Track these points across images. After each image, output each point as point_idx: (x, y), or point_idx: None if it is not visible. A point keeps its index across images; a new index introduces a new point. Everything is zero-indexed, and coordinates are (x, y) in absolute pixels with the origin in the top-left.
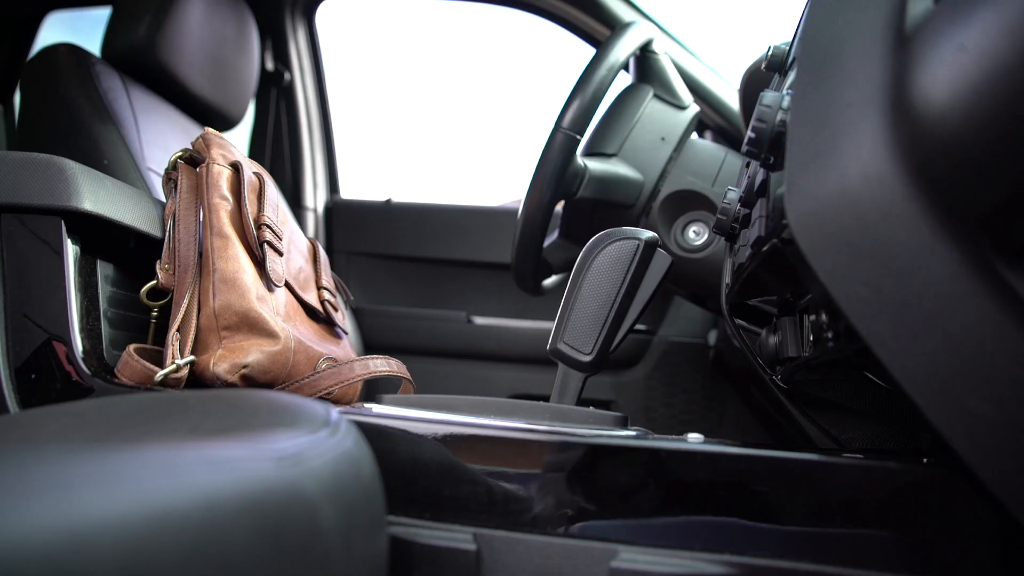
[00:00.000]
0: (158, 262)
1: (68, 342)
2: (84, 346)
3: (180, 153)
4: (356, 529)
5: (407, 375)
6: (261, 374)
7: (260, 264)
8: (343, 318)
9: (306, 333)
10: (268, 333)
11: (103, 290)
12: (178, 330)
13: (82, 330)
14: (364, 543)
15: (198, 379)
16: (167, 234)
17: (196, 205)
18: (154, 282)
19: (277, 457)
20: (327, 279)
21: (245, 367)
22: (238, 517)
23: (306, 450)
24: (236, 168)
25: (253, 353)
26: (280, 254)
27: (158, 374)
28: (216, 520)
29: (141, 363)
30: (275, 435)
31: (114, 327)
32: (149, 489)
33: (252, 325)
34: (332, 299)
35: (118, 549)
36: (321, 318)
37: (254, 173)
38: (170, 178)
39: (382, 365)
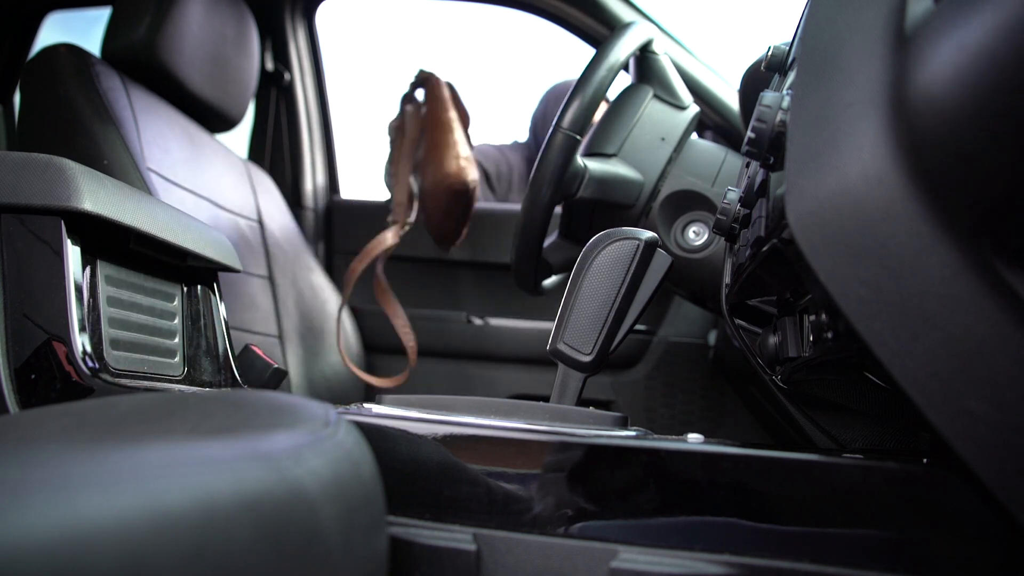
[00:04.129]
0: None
1: (68, 342)
2: (84, 346)
3: None
4: (356, 529)
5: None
6: None
7: None
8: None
9: None
10: None
11: (103, 290)
12: None
13: (82, 330)
14: (364, 543)
15: None
16: None
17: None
18: None
19: (277, 457)
20: None
21: None
22: (238, 517)
23: (306, 450)
24: None
25: None
26: None
27: None
28: (216, 520)
29: None
30: (275, 435)
31: (114, 327)
32: (149, 489)
33: None
34: None
35: (118, 549)
36: None
37: None
38: None
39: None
